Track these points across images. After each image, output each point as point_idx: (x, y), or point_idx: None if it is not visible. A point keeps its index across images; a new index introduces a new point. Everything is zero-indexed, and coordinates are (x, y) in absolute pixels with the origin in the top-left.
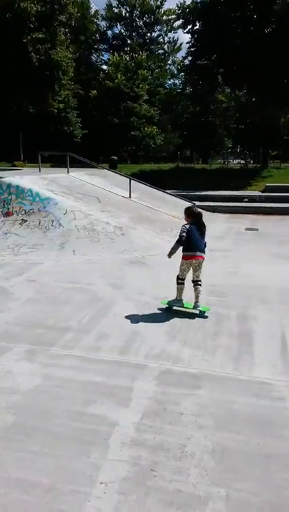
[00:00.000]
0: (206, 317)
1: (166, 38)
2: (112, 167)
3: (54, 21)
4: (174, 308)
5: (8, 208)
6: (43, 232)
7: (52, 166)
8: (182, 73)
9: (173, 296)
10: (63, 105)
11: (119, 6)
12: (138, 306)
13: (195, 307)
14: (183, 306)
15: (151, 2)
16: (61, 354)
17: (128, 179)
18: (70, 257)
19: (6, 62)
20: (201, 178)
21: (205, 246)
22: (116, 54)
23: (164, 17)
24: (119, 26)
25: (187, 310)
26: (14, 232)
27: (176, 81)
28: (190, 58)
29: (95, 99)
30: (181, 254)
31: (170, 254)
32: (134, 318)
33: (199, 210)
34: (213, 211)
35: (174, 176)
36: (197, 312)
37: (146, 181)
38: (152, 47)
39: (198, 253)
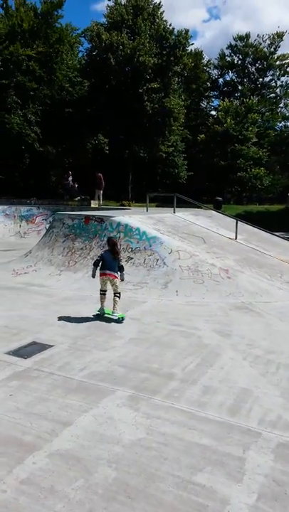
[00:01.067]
0: (121, 322)
1: (278, 82)
2: (217, 208)
3: (169, 72)
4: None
5: None
6: (148, 270)
7: (157, 206)
8: None
9: None
10: (172, 149)
11: (232, 54)
12: (248, 359)
13: (112, 313)
14: (103, 314)
15: (265, 49)
16: (165, 405)
17: (234, 220)
18: (173, 297)
19: (122, 111)
20: None
21: (120, 269)
22: (226, 100)
23: (278, 62)
24: (230, 73)
25: (108, 316)
26: None
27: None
28: None
29: (202, 143)
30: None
31: (92, 275)
32: (245, 373)
33: (115, 240)
34: None
35: (282, 217)
36: (115, 318)
37: (251, 223)
38: (264, 91)
39: (107, 271)
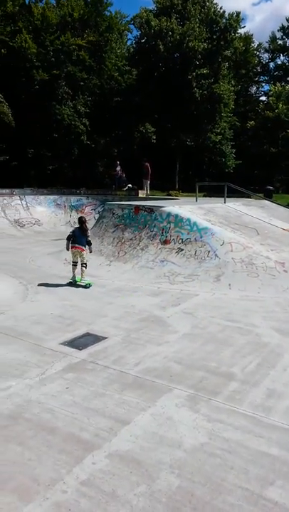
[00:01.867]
0: (88, 288)
1: None
2: (268, 197)
3: (219, 56)
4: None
5: (166, 236)
6: (199, 262)
7: (205, 196)
8: None
9: None
10: (220, 137)
11: (284, 37)
12: None
13: (80, 280)
14: (75, 282)
15: None
16: (227, 408)
17: None
18: (226, 291)
19: (170, 99)
20: None
21: (87, 242)
22: (278, 84)
23: None
24: (282, 57)
25: (78, 283)
26: (171, 260)
27: None
28: None
29: (251, 130)
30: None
31: (66, 247)
32: None
33: (83, 219)
34: None
35: None
36: (83, 284)
37: None
38: None
39: (77, 245)
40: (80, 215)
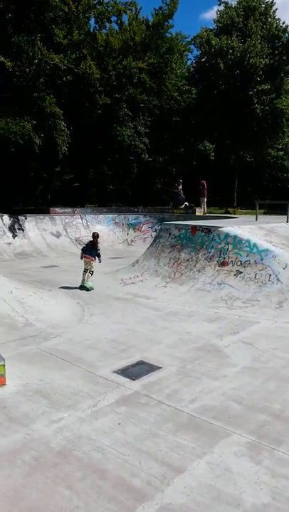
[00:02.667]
0: (89, 290)
1: None
2: None
3: (281, 72)
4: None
5: (224, 258)
6: (259, 286)
7: (265, 213)
8: None
9: None
10: (282, 153)
11: None
12: None
13: (85, 283)
14: (84, 287)
15: None
16: None
17: None
18: None
19: (229, 116)
20: None
21: (97, 255)
22: None
23: None
24: None
25: (84, 286)
26: (229, 283)
27: None
28: None
29: None
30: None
31: (80, 257)
32: None
33: (96, 234)
34: None
35: None
36: (86, 286)
37: None
38: None
39: (87, 255)
40: (137, 233)
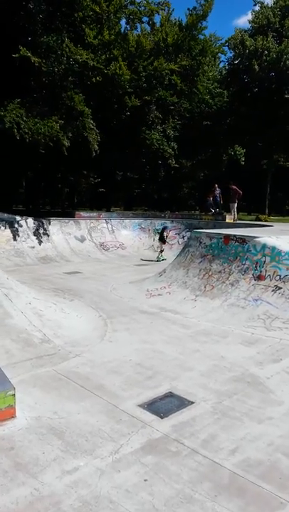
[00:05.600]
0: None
1: None
2: None
3: None
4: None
5: (261, 271)
6: None
7: None
8: None
9: None
10: None
11: None
12: None
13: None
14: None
15: None
16: None
17: None
18: None
19: (263, 120)
20: None
21: (164, 241)
22: None
23: None
24: None
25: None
26: (266, 299)
27: None
28: None
29: None
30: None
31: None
32: None
33: (164, 228)
34: None
35: None
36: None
37: None
38: None
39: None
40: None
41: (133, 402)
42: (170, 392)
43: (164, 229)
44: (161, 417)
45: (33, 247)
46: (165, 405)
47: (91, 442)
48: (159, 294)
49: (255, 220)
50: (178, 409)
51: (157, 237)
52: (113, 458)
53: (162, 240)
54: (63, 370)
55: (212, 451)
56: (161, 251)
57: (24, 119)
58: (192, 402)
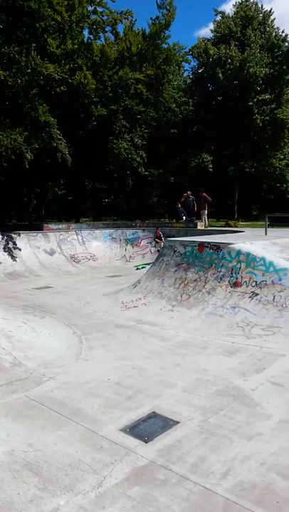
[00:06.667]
0: None
1: None
2: None
3: (281, 81)
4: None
5: (237, 278)
6: (279, 310)
7: (269, 226)
8: None
9: None
10: (284, 162)
11: None
12: None
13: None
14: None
15: None
16: None
17: None
18: None
19: (228, 127)
20: None
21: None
22: None
23: None
24: None
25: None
26: (244, 306)
27: None
28: None
29: None
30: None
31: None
32: None
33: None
34: None
35: None
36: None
37: None
38: None
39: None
40: (135, 248)
41: (114, 426)
42: (153, 412)
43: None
44: (146, 441)
45: (0, 263)
46: (149, 427)
47: (71, 476)
48: (134, 306)
49: (225, 226)
50: (162, 431)
51: (129, 246)
52: (96, 493)
53: (157, 239)
54: (37, 396)
55: (202, 476)
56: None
57: None
58: (177, 422)
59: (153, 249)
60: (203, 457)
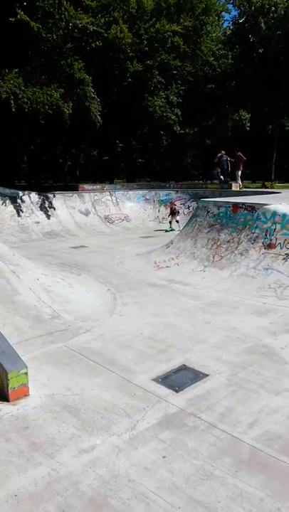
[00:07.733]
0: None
1: None
2: None
3: None
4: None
5: (271, 240)
6: None
7: None
8: None
9: None
10: None
11: None
12: None
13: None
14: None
15: None
16: None
17: None
18: None
19: (269, 82)
20: None
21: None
22: None
23: None
24: None
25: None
26: (277, 268)
27: None
28: None
29: None
30: None
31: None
32: None
33: (175, 207)
34: None
35: None
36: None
37: None
38: None
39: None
40: (168, 210)
41: (146, 376)
42: (184, 365)
43: (171, 203)
44: (176, 391)
45: (38, 223)
46: (179, 379)
47: (107, 419)
48: (167, 266)
49: (261, 188)
50: (192, 383)
51: (162, 207)
52: (130, 435)
53: (173, 212)
54: (75, 346)
55: (230, 425)
56: (170, 222)
57: (22, 88)
58: (206, 375)
59: (186, 211)
60: (231, 408)
